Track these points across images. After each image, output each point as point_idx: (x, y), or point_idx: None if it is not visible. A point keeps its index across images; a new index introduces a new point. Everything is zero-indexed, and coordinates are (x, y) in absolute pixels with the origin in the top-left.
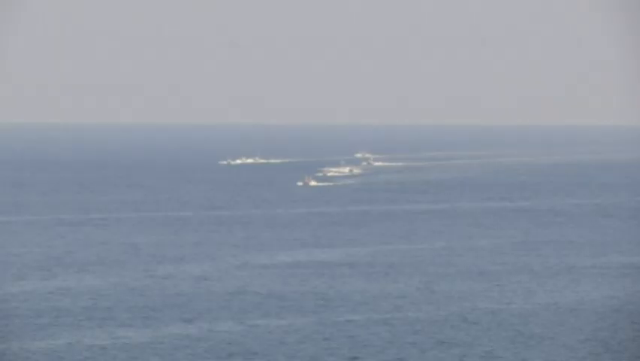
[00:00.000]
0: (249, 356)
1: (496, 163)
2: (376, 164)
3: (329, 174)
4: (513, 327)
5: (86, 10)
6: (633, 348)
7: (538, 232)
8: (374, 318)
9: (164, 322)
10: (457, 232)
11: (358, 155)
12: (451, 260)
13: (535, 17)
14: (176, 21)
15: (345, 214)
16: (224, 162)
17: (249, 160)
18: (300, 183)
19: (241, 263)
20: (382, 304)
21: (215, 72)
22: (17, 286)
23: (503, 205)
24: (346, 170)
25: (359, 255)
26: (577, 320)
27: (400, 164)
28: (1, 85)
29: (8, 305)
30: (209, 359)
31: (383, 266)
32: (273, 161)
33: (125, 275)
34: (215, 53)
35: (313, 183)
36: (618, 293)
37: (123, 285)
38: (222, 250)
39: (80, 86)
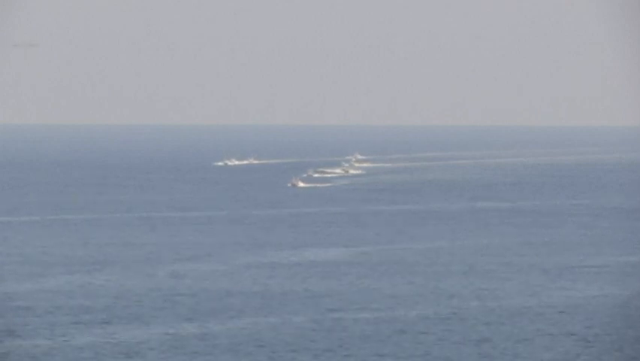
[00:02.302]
0: (249, 354)
1: (494, 164)
2: (360, 165)
3: (316, 175)
4: (512, 326)
5: (83, 10)
6: (633, 347)
7: (537, 232)
8: (373, 317)
9: (164, 321)
10: (455, 232)
11: (349, 156)
12: (450, 260)
13: (536, 18)
14: (172, 22)
15: (336, 215)
16: (221, 163)
17: (244, 161)
18: (288, 185)
19: (237, 263)
20: (380, 303)
21: (210, 73)
22: (16, 285)
23: (501, 206)
24: (337, 171)
25: (355, 255)
26: (576, 319)
27: (390, 165)
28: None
29: (8, 305)
30: (209, 358)
31: (380, 266)
32: (267, 162)
33: (124, 275)
34: (210, 54)
35: (301, 184)
36: (617, 293)
37: (122, 285)
38: (216, 250)
39: (77, 87)
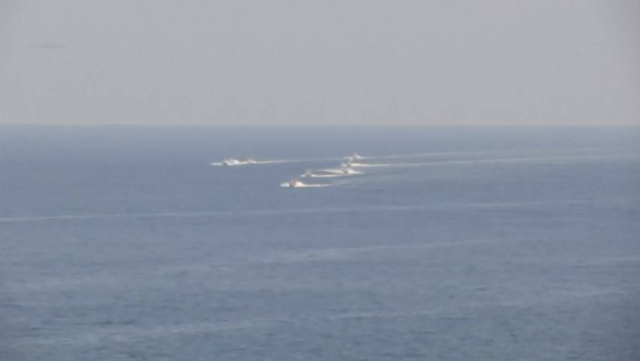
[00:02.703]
0: (250, 354)
1: (494, 164)
2: (360, 165)
3: (314, 176)
4: (512, 326)
5: (83, 11)
6: (633, 347)
7: (537, 232)
8: (373, 317)
9: (164, 321)
10: (455, 232)
11: (348, 157)
12: (450, 260)
13: (536, 18)
14: (172, 22)
15: (336, 215)
16: (219, 164)
17: (244, 162)
18: (285, 185)
19: (237, 263)
20: (380, 303)
21: (210, 73)
22: (16, 285)
23: (501, 206)
24: (336, 171)
25: (355, 254)
26: (576, 319)
27: (390, 165)
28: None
29: (8, 305)
30: (209, 357)
31: (380, 266)
32: (266, 162)
33: (124, 275)
34: (210, 54)
35: (299, 184)
36: (617, 293)
37: (122, 285)
38: (216, 250)
39: (77, 88)
